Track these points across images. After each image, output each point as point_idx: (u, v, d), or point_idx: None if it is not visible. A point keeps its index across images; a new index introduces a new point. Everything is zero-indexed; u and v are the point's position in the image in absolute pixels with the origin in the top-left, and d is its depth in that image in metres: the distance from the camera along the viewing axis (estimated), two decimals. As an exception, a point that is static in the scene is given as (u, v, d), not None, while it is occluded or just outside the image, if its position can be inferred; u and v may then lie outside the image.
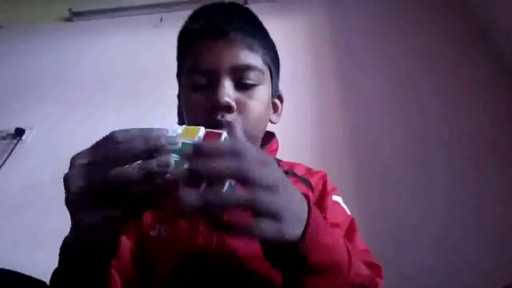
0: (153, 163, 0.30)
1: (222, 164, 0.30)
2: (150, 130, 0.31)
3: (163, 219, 0.56)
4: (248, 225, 0.31)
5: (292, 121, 1.37)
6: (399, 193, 1.23)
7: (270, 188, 0.31)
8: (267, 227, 0.31)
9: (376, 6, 1.74)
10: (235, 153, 0.31)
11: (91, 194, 0.31)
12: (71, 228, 0.35)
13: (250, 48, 0.57)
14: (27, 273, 0.49)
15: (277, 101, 0.68)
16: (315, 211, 0.37)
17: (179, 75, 0.64)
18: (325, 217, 0.55)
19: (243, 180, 0.31)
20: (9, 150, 1.59)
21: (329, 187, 0.63)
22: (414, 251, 1.13)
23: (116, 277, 0.50)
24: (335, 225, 0.56)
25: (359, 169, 1.31)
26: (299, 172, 0.65)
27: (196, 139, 0.33)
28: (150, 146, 0.30)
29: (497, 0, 1.47)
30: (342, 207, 0.62)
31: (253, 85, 0.56)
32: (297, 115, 1.43)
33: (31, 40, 2.00)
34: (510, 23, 1.40)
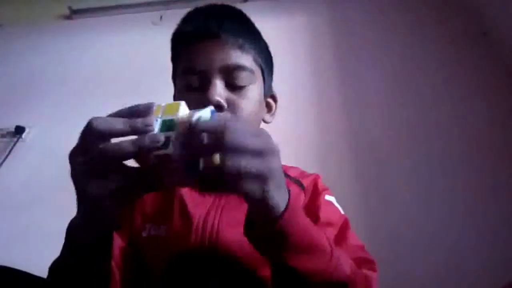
0: (145, 138, 0.33)
1: (210, 141, 0.33)
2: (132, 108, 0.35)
3: (152, 219, 0.58)
4: (234, 182, 0.33)
5: (292, 120, 1.38)
6: (399, 193, 1.24)
7: (258, 153, 0.33)
8: (252, 185, 0.33)
9: (376, 5, 1.74)
10: (221, 128, 0.33)
11: (91, 167, 0.33)
12: (77, 208, 0.37)
13: (241, 48, 0.58)
14: (27, 270, 0.49)
15: (270, 100, 0.70)
16: (294, 200, 0.39)
17: (173, 76, 0.65)
18: (317, 219, 0.57)
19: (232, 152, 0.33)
20: (9, 148, 1.58)
21: (320, 187, 0.65)
22: (414, 251, 1.13)
23: (113, 265, 0.51)
24: (328, 223, 0.58)
25: (359, 169, 1.31)
26: (293, 174, 0.67)
27: (178, 114, 0.35)
28: (129, 129, 0.34)
29: (497, 0, 1.47)
30: (335, 206, 0.63)
31: (244, 85, 0.58)
32: (297, 114, 1.43)
33: (31, 38, 2.00)
34: (511, 23, 1.40)
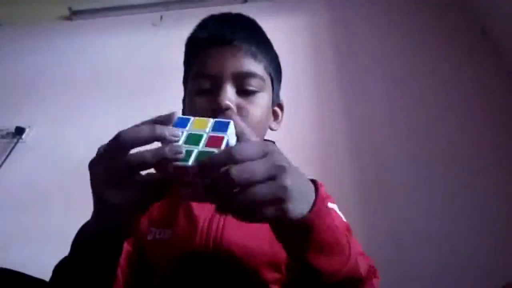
0: (166, 149, 0.33)
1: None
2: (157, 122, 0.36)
3: (158, 223, 0.59)
4: (253, 210, 0.32)
5: (292, 121, 1.37)
6: (399, 193, 1.24)
7: (269, 178, 0.33)
8: (272, 210, 0.33)
9: (376, 5, 1.74)
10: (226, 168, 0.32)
11: (112, 176, 0.34)
12: (92, 213, 0.38)
13: (253, 56, 0.59)
14: (27, 272, 0.49)
15: (277, 109, 0.71)
16: (321, 195, 0.38)
17: (185, 80, 0.66)
18: None
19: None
20: (9, 149, 1.58)
21: (323, 194, 0.65)
22: (414, 251, 1.13)
23: (118, 270, 0.51)
24: None
25: (359, 170, 1.31)
26: None
27: (207, 130, 0.36)
28: (156, 135, 0.34)
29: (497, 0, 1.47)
30: (337, 213, 0.64)
31: (254, 92, 0.59)
32: (298, 114, 1.43)
33: (31, 39, 2.00)
34: (510, 22, 1.40)
